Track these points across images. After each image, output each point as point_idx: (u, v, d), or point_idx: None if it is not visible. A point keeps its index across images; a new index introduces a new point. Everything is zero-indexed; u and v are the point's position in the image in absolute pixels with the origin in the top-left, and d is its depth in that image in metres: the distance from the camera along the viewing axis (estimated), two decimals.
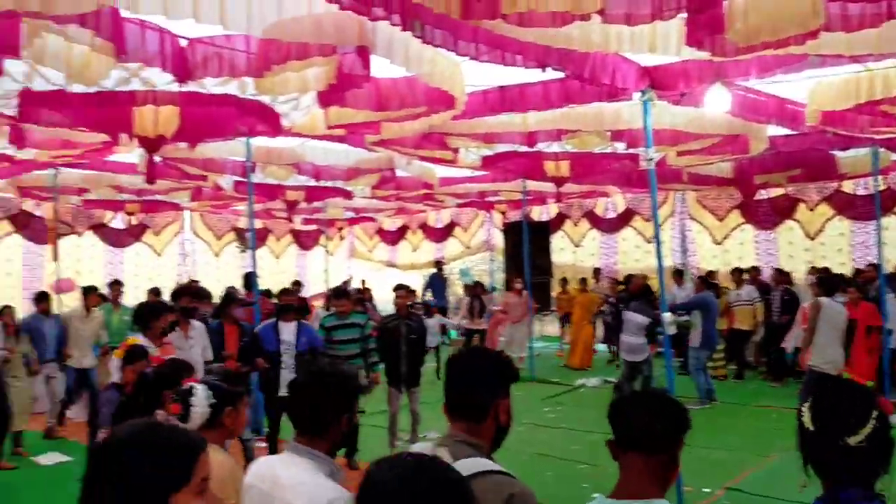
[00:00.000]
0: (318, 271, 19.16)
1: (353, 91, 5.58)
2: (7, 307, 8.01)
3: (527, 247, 12.63)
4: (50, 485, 7.02)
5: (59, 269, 11.94)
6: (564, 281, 15.50)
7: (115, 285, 10.40)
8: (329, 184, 11.65)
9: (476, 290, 13.44)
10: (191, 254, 17.43)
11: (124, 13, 4.22)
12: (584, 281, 14.57)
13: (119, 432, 1.55)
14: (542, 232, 16.26)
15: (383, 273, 19.87)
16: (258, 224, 18.01)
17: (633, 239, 16.10)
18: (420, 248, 19.96)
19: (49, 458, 7.84)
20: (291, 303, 7.40)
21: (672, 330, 6.46)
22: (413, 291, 10.18)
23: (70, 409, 9.21)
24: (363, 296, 13.75)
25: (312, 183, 11.62)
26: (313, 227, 19.40)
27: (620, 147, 8.94)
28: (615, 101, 7.03)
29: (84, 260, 15.50)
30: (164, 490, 1.48)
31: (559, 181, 9.88)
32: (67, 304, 10.90)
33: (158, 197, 13.84)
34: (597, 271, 15.55)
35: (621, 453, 1.98)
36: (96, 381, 8.66)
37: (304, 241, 19.64)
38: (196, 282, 11.53)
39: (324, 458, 2.24)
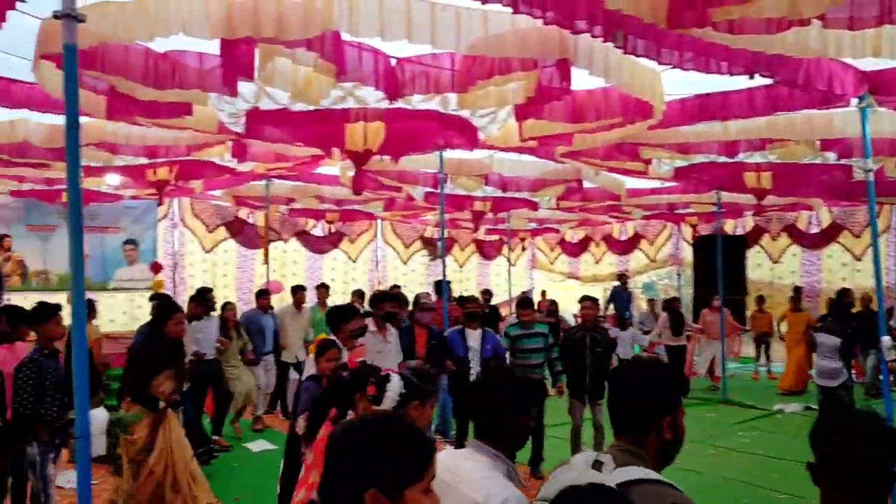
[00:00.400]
0: (500, 281, 19.45)
1: (550, 103, 5.64)
2: (229, 303, 8.88)
3: (720, 261, 12.03)
4: (256, 467, 7.66)
5: (269, 272, 13.00)
6: (761, 299, 14.58)
7: (322, 288, 11.21)
8: (515, 195, 11.82)
9: (675, 305, 13.00)
10: (381, 260, 18.35)
11: (345, 36, 4.58)
12: (796, 298, 13.60)
13: (367, 419, 1.66)
14: (737, 246, 15.39)
15: (565, 285, 19.77)
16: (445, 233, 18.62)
17: (840, 256, 14.85)
18: (602, 261, 19.66)
19: (257, 445, 8.57)
20: (477, 311, 7.57)
21: (892, 355, 5.91)
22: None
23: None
24: (553, 307, 13.75)
25: (499, 194, 11.85)
26: (496, 237, 19.71)
27: (831, 157, 8.31)
28: (827, 108, 6.57)
29: (288, 264, 16.80)
30: (401, 482, 1.54)
31: (760, 193, 9.35)
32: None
33: (355, 207, 14.71)
34: (797, 290, 14.49)
35: (822, 480, 1.85)
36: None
37: (487, 250, 20.00)
38: (398, 287, 12.11)
39: (502, 458, 2.31)
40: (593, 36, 4.45)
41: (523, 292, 15.50)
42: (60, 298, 8.68)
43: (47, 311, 5.09)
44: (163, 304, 5.96)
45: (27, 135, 8.02)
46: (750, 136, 7.61)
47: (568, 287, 19.82)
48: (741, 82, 5.99)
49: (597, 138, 7.45)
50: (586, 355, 7.44)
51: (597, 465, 1.98)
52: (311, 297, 11.09)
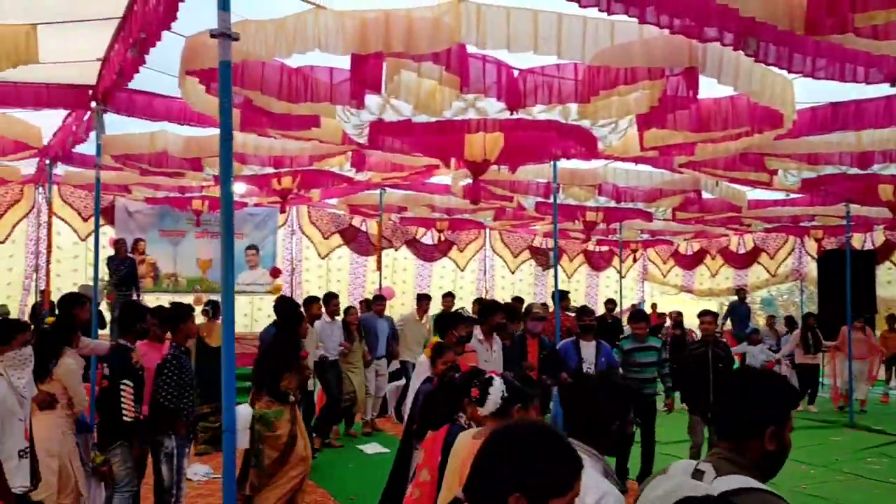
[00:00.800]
0: (609, 293, 19.12)
1: (675, 112, 5.54)
2: (351, 307, 9.18)
3: (849, 277, 11.38)
4: (370, 469, 7.82)
5: (381, 278, 13.31)
6: (892, 318, 13.69)
7: (448, 297, 11.56)
8: (629, 205, 11.61)
9: (811, 322, 12.43)
10: (489, 269, 18.43)
11: (470, 49, 4.67)
12: None
13: (528, 424, 1.69)
14: (866, 262, 14.51)
15: (678, 298, 19.20)
16: (552, 243, 18.51)
17: None
18: (719, 274, 18.97)
19: (371, 448, 8.76)
20: (592, 324, 7.47)
21: None
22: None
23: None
24: (679, 318, 13.41)
25: (612, 204, 11.67)
26: (606, 248, 19.41)
27: None
28: None
29: (399, 272, 17.15)
30: (546, 493, 1.56)
31: (895, 207, 8.80)
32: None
33: (465, 216, 14.85)
34: None
35: None
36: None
37: (597, 261, 19.71)
38: (520, 300, 12.16)
39: (599, 457, 2.34)
40: (723, 44, 4.35)
41: (633, 305, 15.18)
42: (188, 300, 9.31)
43: (185, 312, 5.42)
44: (298, 308, 6.27)
45: (166, 145, 8.60)
46: (886, 146, 7.19)
47: (680, 301, 19.26)
48: (874, 90, 5.72)
49: (719, 148, 7.24)
50: (708, 371, 7.22)
51: (697, 473, 1.96)
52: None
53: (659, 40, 4.53)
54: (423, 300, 10.48)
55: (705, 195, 10.86)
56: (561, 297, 10.52)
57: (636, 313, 8.54)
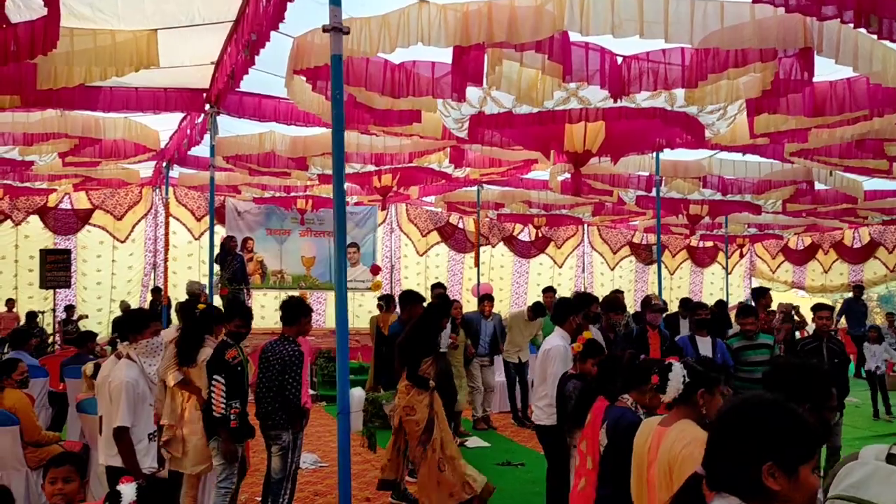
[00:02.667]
0: (714, 290, 18.51)
1: (788, 96, 5.30)
2: (455, 301, 9.22)
3: None
4: (473, 463, 7.84)
5: (479, 275, 13.36)
6: None
7: (549, 292, 11.29)
8: (736, 198, 11.19)
9: None
10: (588, 266, 18.18)
11: (572, 37, 4.62)
12: None
13: (762, 398, 1.73)
14: None
15: (788, 295, 18.36)
16: (652, 239, 18.07)
17: None
18: (832, 270, 18.02)
19: (473, 442, 8.80)
20: (707, 318, 7.23)
21: None
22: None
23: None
24: (788, 309, 12.79)
25: (718, 197, 11.27)
26: (710, 243, 18.78)
27: None
28: None
29: (496, 268, 17.16)
30: (798, 458, 1.60)
31: None
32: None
33: (563, 211, 14.69)
34: None
35: None
36: (527, 375, 9.53)
37: (701, 257, 19.10)
38: (620, 292, 11.94)
39: None
40: (843, 22, 4.14)
41: (740, 302, 14.60)
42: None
43: (306, 308, 5.53)
44: (439, 302, 6.39)
45: (273, 145, 8.93)
46: None
47: (791, 298, 18.39)
48: None
49: (834, 134, 6.88)
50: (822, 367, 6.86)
51: (891, 458, 1.93)
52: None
53: (772, 20, 4.35)
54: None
55: (818, 186, 10.33)
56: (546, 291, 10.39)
57: (744, 308, 8.18)
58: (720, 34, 4.36)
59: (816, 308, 7.48)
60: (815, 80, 5.34)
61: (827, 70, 5.26)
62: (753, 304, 9.47)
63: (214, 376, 4.82)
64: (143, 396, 4.22)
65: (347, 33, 3.11)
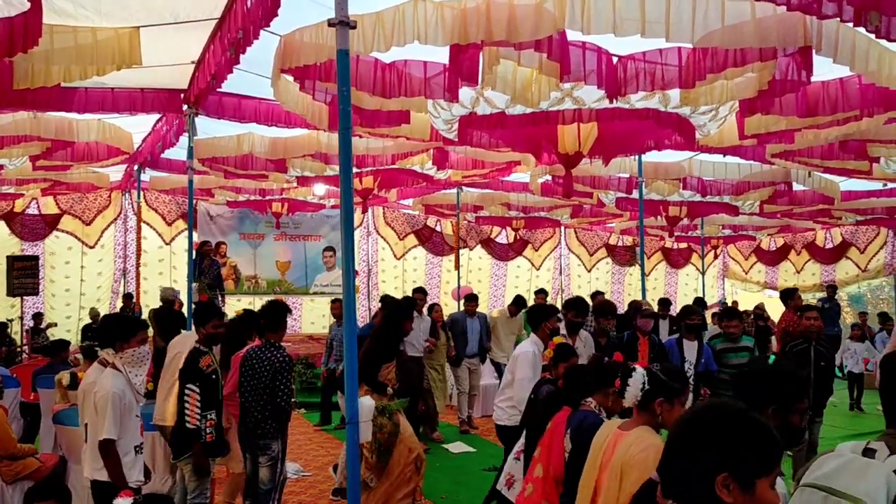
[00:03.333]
0: (688, 291, 18.63)
1: (782, 97, 5.28)
2: (436, 304, 9.14)
3: None
4: (458, 468, 7.74)
5: (459, 278, 13.25)
6: None
7: (541, 294, 11.32)
8: (715, 199, 11.23)
9: None
10: (565, 268, 18.18)
11: (569, 36, 4.53)
12: None
13: (723, 405, 1.62)
14: None
15: (760, 296, 18.55)
16: (629, 241, 18.14)
17: None
18: (804, 270, 18.25)
19: (457, 447, 8.67)
20: (698, 324, 7.21)
21: None
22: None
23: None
24: (759, 311, 12.92)
25: (697, 198, 11.30)
26: (684, 245, 18.91)
27: None
28: None
29: (474, 271, 17.08)
30: (754, 471, 1.52)
31: None
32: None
33: (542, 214, 14.65)
34: None
35: None
36: None
37: (675, 258, 19.22)
38: (601, 293, 11.94)
39: None
40: (843, 20, 4.11)
41: (720, 302, 14.70)
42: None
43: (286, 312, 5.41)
44: (402, 305, 6.28)
45: (252, 147, 8.72)
46: None
47: (763, 298, 18.59)
48: None
49: (820, 135, 6.89)
50: (810, 369, 6.87)
51: (868, 452, 1.92)
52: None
53: (772, 19, 4.30)
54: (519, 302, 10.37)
55: (796, 187, 10.41)
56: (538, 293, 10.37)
57: (728, 310, 8.19)
58: (720, 33, 4.30)
59: (804, 309, 7.51)
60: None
61: (819, 70, 5.25)
62: (754, 304, 9.51)
63: (188, 385, 4.61)
64: (129, 408, 4.03)
65: (354, 27, 2.99)
